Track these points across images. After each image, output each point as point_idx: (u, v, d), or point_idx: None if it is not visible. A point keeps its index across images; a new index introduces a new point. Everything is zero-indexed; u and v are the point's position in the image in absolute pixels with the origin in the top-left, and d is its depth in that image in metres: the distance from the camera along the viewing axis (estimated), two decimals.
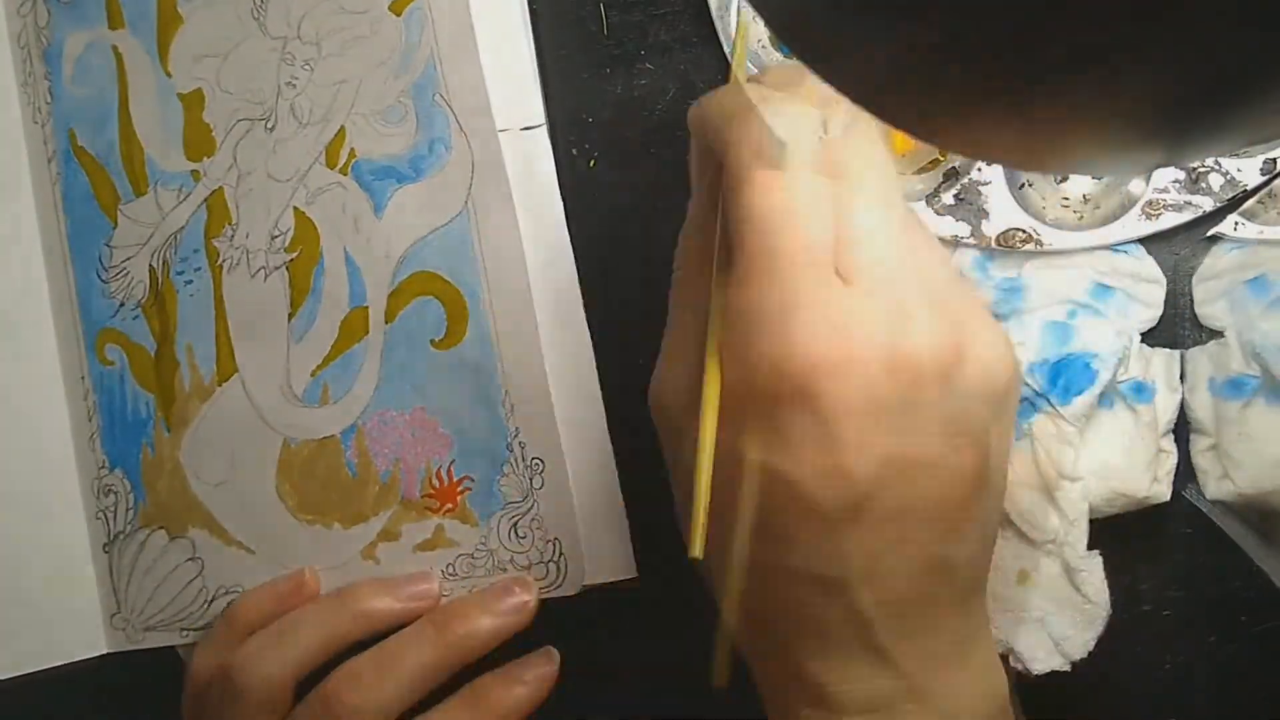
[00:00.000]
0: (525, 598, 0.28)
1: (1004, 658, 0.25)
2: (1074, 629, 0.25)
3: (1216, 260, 0.25)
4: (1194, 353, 0.26)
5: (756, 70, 0.28)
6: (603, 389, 0.29)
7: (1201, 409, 0.25)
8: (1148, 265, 0.26)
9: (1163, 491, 0.25)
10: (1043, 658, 0.25)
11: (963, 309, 0.19)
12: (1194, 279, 0.26)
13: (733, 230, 0.19)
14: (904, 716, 0.19)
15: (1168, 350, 0.26)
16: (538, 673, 0.28)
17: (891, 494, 0.18)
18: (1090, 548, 0.25)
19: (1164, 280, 0.26)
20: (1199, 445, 0.25)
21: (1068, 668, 0.25)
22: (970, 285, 0.21)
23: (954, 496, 0.19)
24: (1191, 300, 0.26)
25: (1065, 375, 0.25)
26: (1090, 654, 0.25)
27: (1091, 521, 0.25)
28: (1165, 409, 0.25)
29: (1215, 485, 0.25)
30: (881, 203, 0.19)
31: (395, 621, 0.29)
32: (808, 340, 0.18)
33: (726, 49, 0.29)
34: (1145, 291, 0.26)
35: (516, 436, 0.29)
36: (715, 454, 0.19)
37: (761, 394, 0.18)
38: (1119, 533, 0.26)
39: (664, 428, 0.21)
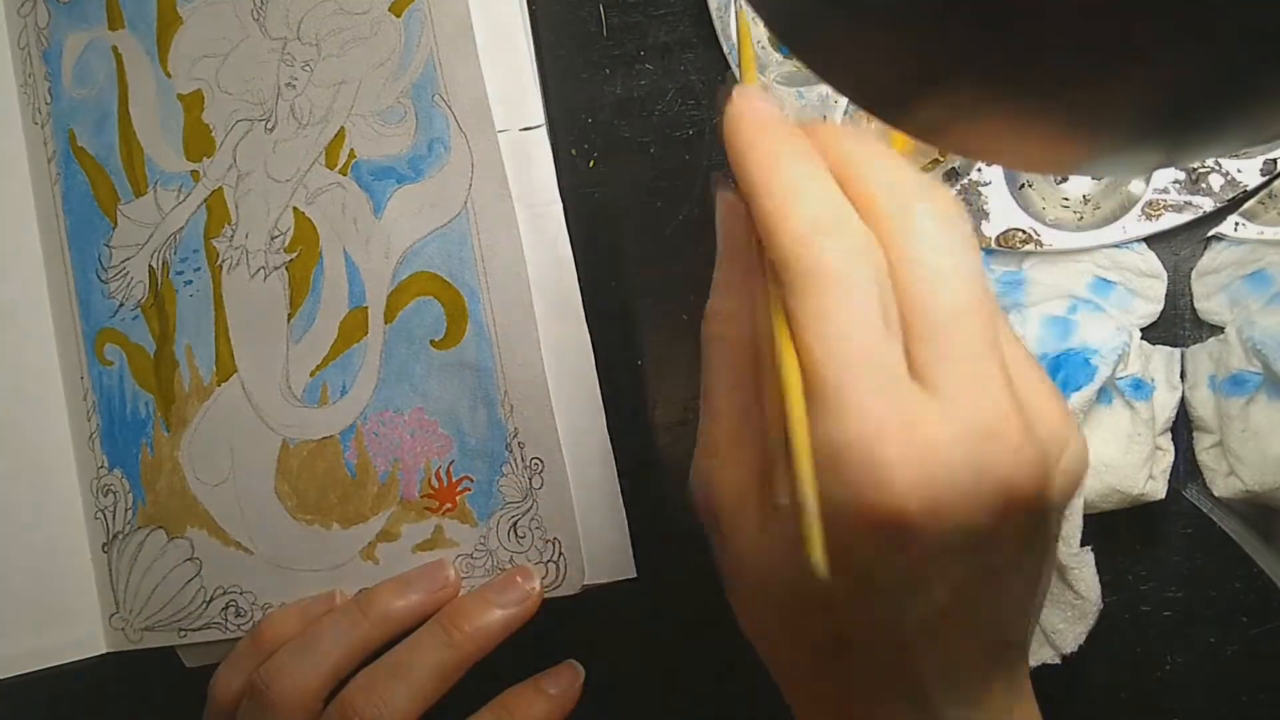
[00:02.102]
0: (530, 586, 0.28)
1: None
2: (1064, 623, 0.25)
3: (1216, 255, 0.25)
4: (1194, 350, 0.26)
5: (757, 73, 0.28)
6: (602, 389, 0.29)
7: (1203, 407, 0.25)
8: (1149, 259, 0.26)
9: (1158, 489, 0.25)
10: (1033, 650, 0.25)
11: (1046, 412, 0.18)
12: (1193, 274, 0.26)
13: (794, 339, 0.17)
14: None
15: (1168, 348, 0.26)
16: (562, 686, 0.29)
17: (968, 601, 0.18)
18: (1084, 543, 0.25)
19: (1165, 274, 0.26)
20: (1203, 443, 0.25)
21: (1058, 661, 0.25)
22: (1042, 371, 0.19)
23: (1024, 594, 0.19)
24: (1191, 298, 0.26)
25: (1064, 370, 0.25)
26: (1090, 654, 0.25)
27: (1086, 517, 0.25)
28: (1164, 407, 0.25)
29: (1222, 483, 0.25)
30: (959, 281, 0.17)
31: (417, 619, 0.29)
32: (894, 482, 0.16)
33: (726, 50, 0.29)
34: (1146, 286, 0.26)
35: (515, 436, 0.29)
36: (782, 562, 0.18)
37: (847, 535, 0.17)
38: (1120, 533, 0.26)
39: (714, 523, 0.20)
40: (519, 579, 0.28)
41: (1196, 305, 0.26)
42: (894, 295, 0.17)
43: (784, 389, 0.17)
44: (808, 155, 0.18)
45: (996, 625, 0.19)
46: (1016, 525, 0.17)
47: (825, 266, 0.16)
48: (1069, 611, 0.25)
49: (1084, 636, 0.24)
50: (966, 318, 0.17)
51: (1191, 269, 0.26)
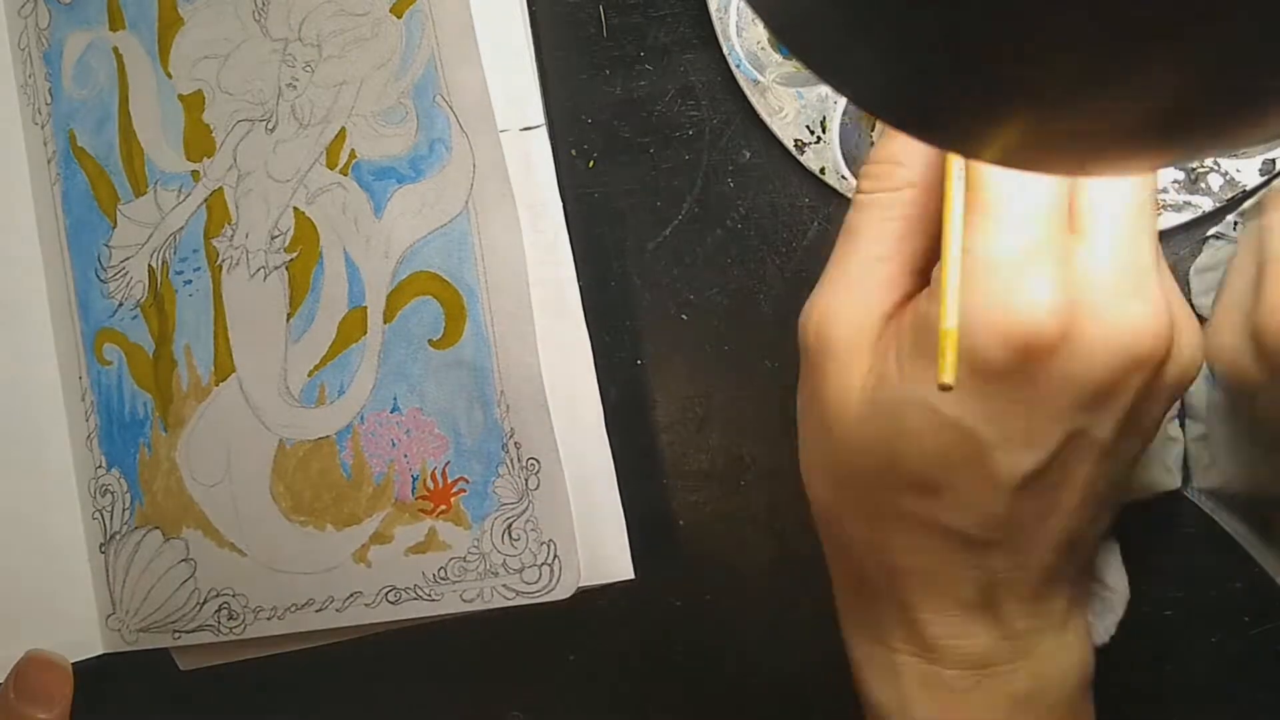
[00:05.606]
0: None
1: None
2: (1094, 615, 0.24)
3: (1214, 252, 0.25)
4: None
5: (757, 74, 0.28)
6: (601, 389, 0.29)
7: (1197, 396, 0.25)
8: None
9: (1173, 480, 0.25)
10: None
11: (1176, 299, 0.19)
12: (1191, 270, 0.26)
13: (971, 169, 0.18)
14: (1002, 674, 0.20)
15: None
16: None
17: (1064, 471, 0.18)
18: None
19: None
20: (1193, 432, 0.25)
21: None
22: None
23: (1110, 480, 0.19)
24: (1189, 295, 0.26)
25: None
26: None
27: None
28: None
29: (1203, 474, 0.25)
30: None
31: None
32: (1033, 309, 0.17)
33: (726, 50, 0.29)
34: None
35: (512, 437, 0.29)
36: (897, 389, 0.18)
37: (978, 353, 0.17)
38: (1119, 532, 0.26)
39: (821, 359, 0.20)
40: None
41: (1194, 301, 0.26)
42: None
43: (945, 198, 0.18)
44: None
45: (1079, 508, 0.19)
46: (1127, 394, 0.18)
47: None
48: (1097, 604, 0.24)
49: (1114, 628, 0.24)
50: (1132, 189, 0.18)
51: (1190, 267, 0.26)
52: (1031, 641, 0.20)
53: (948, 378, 0.17)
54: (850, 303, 0.20)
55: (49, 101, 0.35)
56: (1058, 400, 0.18)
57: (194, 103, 0.33)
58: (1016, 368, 0.17)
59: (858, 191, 0.20)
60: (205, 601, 0.32)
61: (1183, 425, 0.25)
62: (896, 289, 0.20)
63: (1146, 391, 0.18)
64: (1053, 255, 0.17)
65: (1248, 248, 0.21)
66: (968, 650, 0.20)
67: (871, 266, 0.20)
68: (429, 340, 0.30)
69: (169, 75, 0.33)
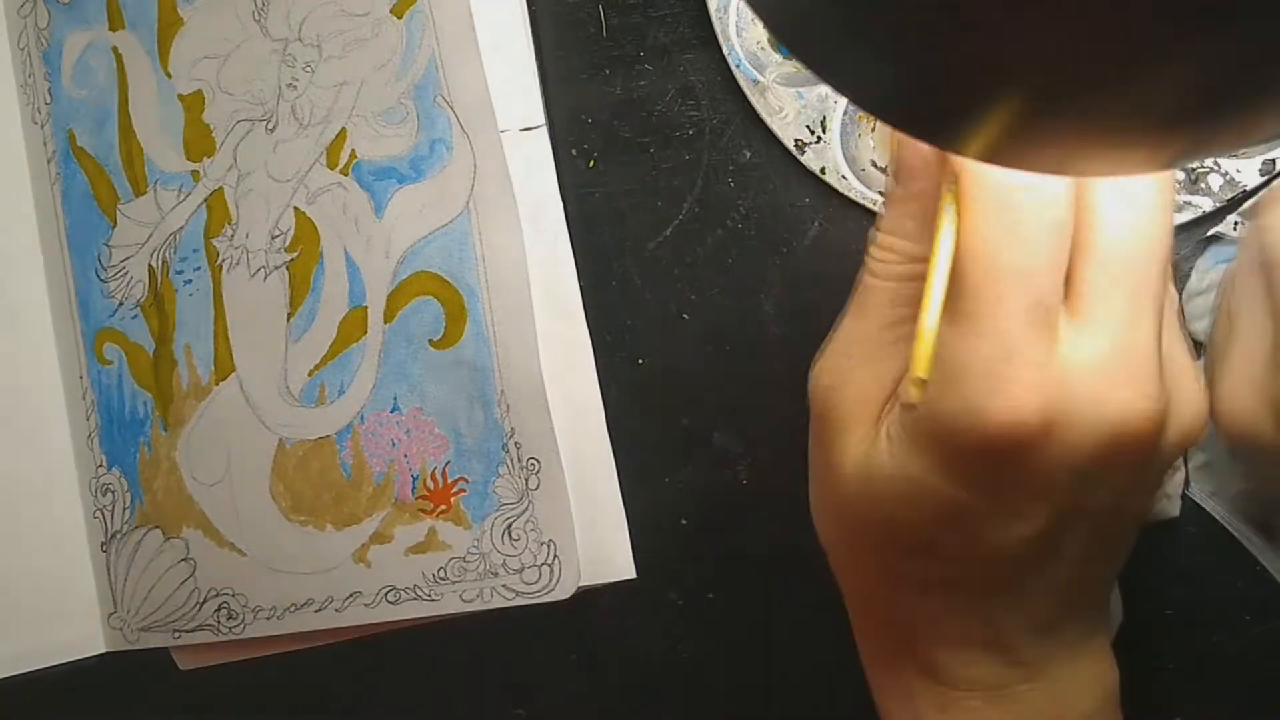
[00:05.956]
0: None
1: None
2: None
3: (1203, 276, 0.25)
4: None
5: (757, 74, 0.28)
6: (602, 389, 0.29)
7: None
8: None
9: (1171, 508, 0.25)
10: None
11: (1178, 363, 0.18)
12: (1183, 295, 0.26)
13: (958, 256, 0.18)
14: (1016, 694, 0.20)
15: None
16: None
17: (1060, 535, 0.18)
18: None
19: (1175, 296, 0.26)
20: (1194, 461, 0.25)
21: None
22: (1182, 338, 0.20)
23: (1119, 537, 0.20)
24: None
25: None
26: None
27: None
28: None
29: (1207, 500, 0.25)
30: (1143, 234, 0.17)
31: None
32: (1012, 413, 0.17)
33: (726, 50, 0.29)
34: None
35: (512, 437, 0.29)
36: (889, 464, 0.19)
37: (960, 447, 0.17)
38: None
39: (827, 421, 0.20)
40: None
41: (1189, 327, 0.26)
42: (1072, 220, 0.17)
43: (929, 268, 0.18)
44: None
45: (1081, 562, 0.19)
46: (1121, 468, 0.18)
47: (1013, 183, 0.16)
48: None
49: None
50: (1139, 266, 0.17)
51: (1191, 270, 0.26)
52: (1042, 666, 0.20)
53: (917, 383, 0.17)
54: (856, 372, 0.20)
55: (48, 101, 0.35)
56: (1046, 481, 0.18)
57: (194, 103, 0.33)
58: (1000, 459, 0.17)
59: (866, 271, 0.20)
60: (205, 601, 0.32)
61: (1184, 455, 0.25)
62: (902, 361, 0.20)
63: (1142, 463, 0.18)
64: (1031, 359, 0.17)
65: (1253, 294, 0.20)
66: (978, 676, 0.20)
67: (879, 338, 0.20)
68: (429, 340, 0.30)
69: (169, 75, 0.33)
